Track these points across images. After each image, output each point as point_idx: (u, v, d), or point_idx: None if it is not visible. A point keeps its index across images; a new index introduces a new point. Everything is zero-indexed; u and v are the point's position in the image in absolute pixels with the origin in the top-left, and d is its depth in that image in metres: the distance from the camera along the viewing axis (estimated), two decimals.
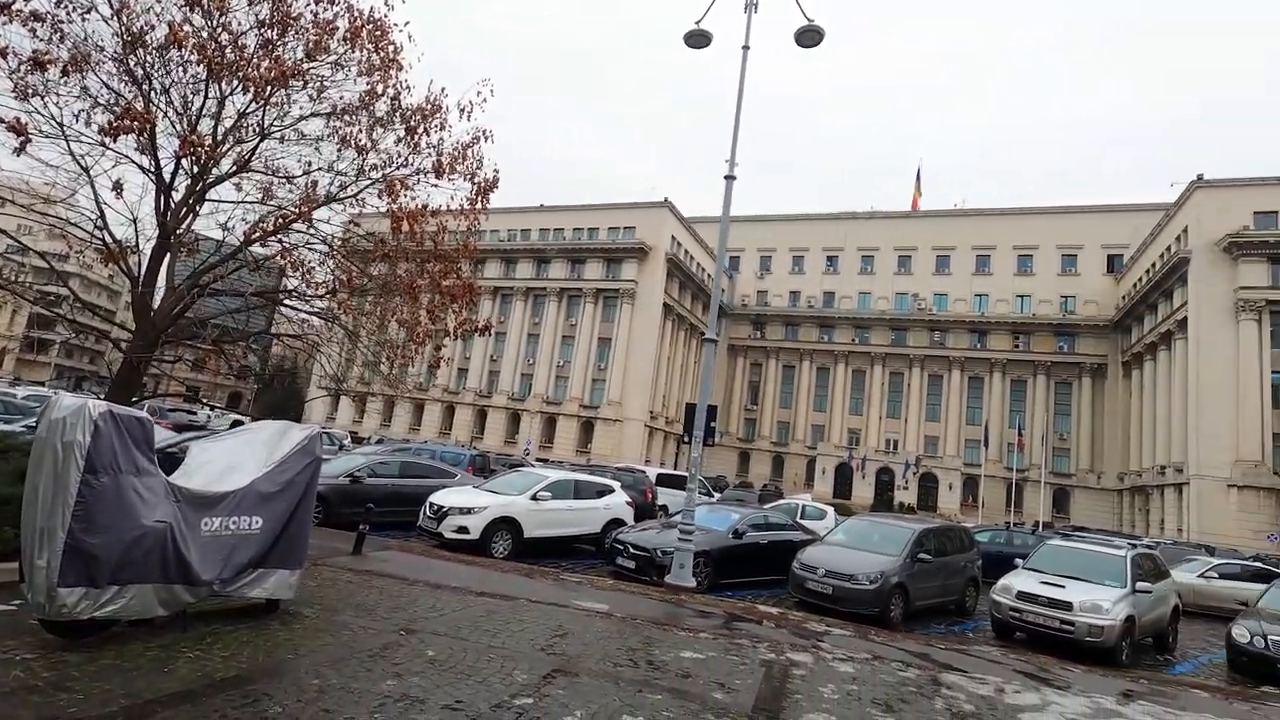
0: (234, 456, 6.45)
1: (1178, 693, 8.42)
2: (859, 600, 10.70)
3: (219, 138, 8.61)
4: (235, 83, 8.27)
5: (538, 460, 45.42)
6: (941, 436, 62.99)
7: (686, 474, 12.29)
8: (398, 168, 9.18)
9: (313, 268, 9.19)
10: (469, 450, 28.77)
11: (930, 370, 64.89)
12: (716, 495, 27.18)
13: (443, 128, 9.12)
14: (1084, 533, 34.95)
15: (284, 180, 9.24)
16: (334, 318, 9.78)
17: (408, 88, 8.98)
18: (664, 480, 23.89)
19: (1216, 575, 18.53)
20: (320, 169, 9.18)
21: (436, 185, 9.08)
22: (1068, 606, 10.15)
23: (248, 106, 8.51)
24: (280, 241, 9.27)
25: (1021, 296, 63.94)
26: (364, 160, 8.98)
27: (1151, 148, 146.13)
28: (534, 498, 13.30)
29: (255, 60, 8.02)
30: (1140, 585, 10.77)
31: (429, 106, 9.02)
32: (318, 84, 8.73)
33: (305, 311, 10.04)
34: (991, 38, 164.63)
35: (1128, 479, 53.95)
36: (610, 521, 14.49)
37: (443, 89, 9.01)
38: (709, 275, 67.18)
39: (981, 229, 66.39)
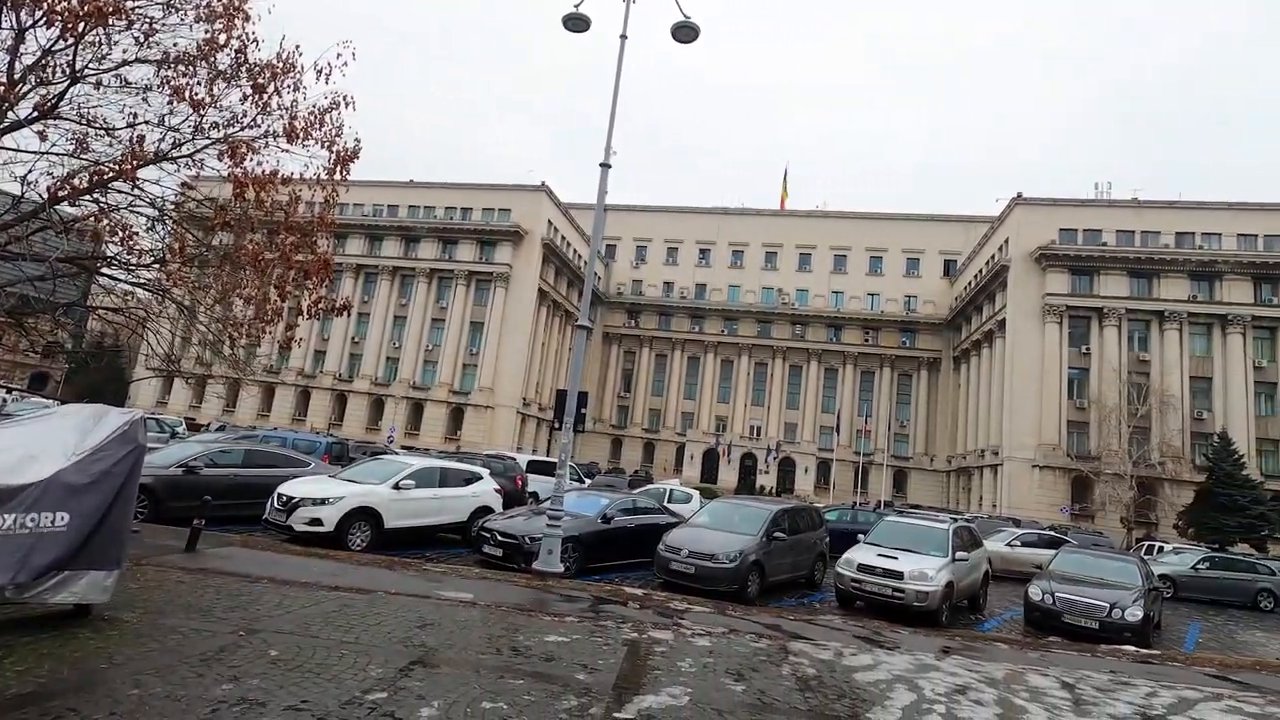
0: (34, 444, 5.64)
1: (985, 647, 9.61)
2: (719, 578, 11.23)
3: (16, 76, 7.41)
4: (39, 14, 7.13)
5: (402, 448, 43.47)
6: (800, 423, 67.25)
7: (557, 460, 12.29)
8: (243, 129, 8.36)
9: (137, 233, 8.16)
10: (325, 438, 26.97)
11: (791, 361, 68.99)
12: (587, 481, 27.39)
13: (297, 89, 8.39)
14: (917, 509, 38.88)
15: (102, 132, 8.12)
16: (164, 290, 8.75)
17: (255, 41, 8.16)
18: (535, 467, 23.71)
19: (1020, 544, 21.30)
20: (149, 122, 8.16)
21: (288, 151, 8.35)
22: (900, 576, 11.25)
23: (54, 43, 7.38)
24: (97, 201, 8.15)
25: (872, 295, 69.49)
26: (202, 117, 8.07)
27: (1122, 148, 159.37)
28: (396, 486, 12.72)
29: None
30: (959, 555, 12.16)
31: (281, 64, 8.25)
32: (145, 25, 7.72)
33: (128, 283, 8.91)
34: (954, 36, 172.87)
35: (955, 461, 60.49)
36: (478, 509, 14.19)
37: (297, 46, 8.28)
38: (585, 261, 67.17)
39: (840, 231, 71.31)
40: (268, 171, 8.16)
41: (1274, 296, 45.81)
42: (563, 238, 64.29)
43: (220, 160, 8.21)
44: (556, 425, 12.25)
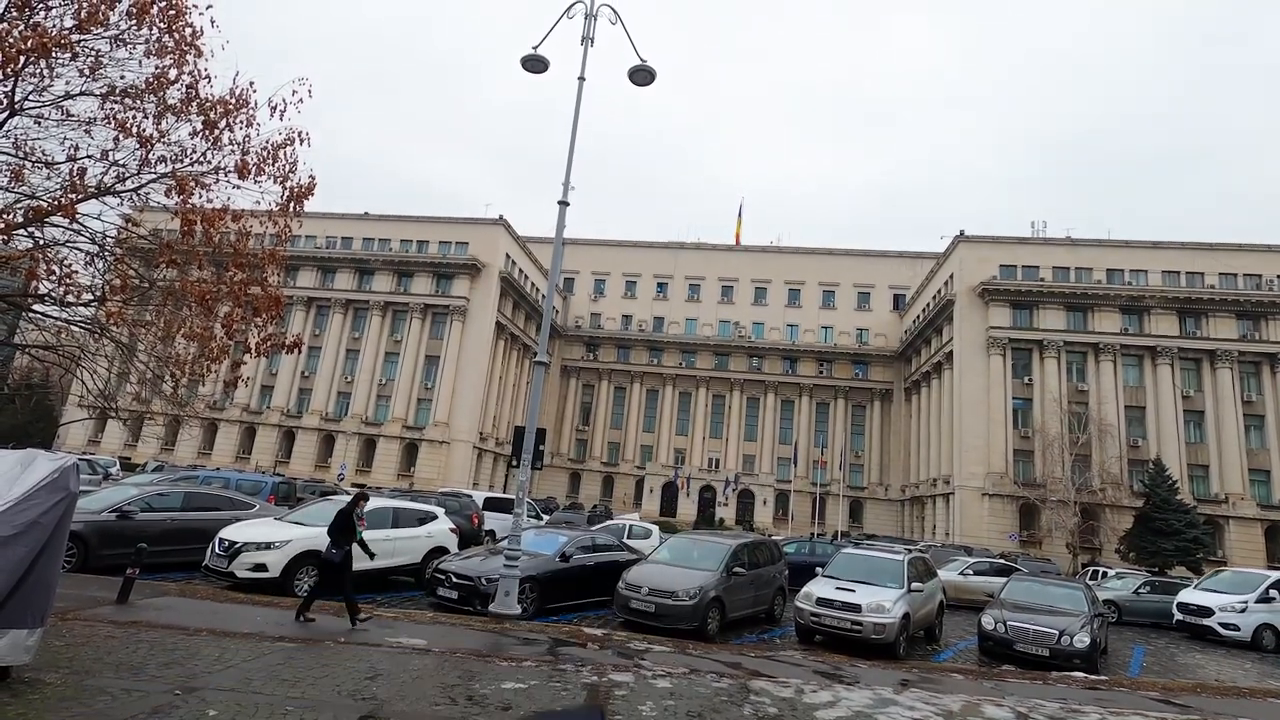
0: None
1: (941, 678, 9.72)
2: (679, 616, 11.12)
3: None
4: None
5: (354, 486, 42.13)
6: (758, 455, 67.72)
7: (515, 498, 12.09)
8: (193, 164, 8.18)
9: (75, 269, 7.84)
10: (272, 477, 25.98)
11: (749, 393, 69.76)
12: (545, 518, 26.98)
13: (250, 124, 8.29)
14: (874, 539, 39.37)
15: (40, 165, 7.85)
16: (102, 328, 8.40)
17: (207, 77, 8.06)
18: (493, 504, 23.27)
19: (972, 572, 21.72)
20: (91, 156, 7.92)
21: (239, 187, 8.20)
22: (857, 609, 11.32)
23: None
24: (32, 236, 7.84)
25: (825, 328, 71.14)
26: (149, 151, 7.88)
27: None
28: None
29: (7, 24, 6.77)
30: (915, 585, 12.32)
31: (234, 100, 8.15)
32: (91, 59, 7.55)
33: (62, 320, 8.53)
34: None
35: (908, 490, 61.62)
36: (432, 550, 13.81)
37: (250, 82, 8.21)
38: (543, 295, 67.11)
39: (793, 265, 73.13)
40: (216, 208, 7.97)
41: (1198, 329, 48.57)
42: (520, 271, 64.23)
43: (167, 195, 8.00)
44: (514, 462, 12.09)
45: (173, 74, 7.78)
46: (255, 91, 8.14)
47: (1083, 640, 11.62)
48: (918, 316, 62.39)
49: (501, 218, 60.05)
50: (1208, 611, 18.29)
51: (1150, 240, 51.49)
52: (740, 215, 78.24)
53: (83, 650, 6.63)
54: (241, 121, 8.10)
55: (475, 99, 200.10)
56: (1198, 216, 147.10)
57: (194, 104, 8.01)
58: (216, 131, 8.18)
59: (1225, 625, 17.81)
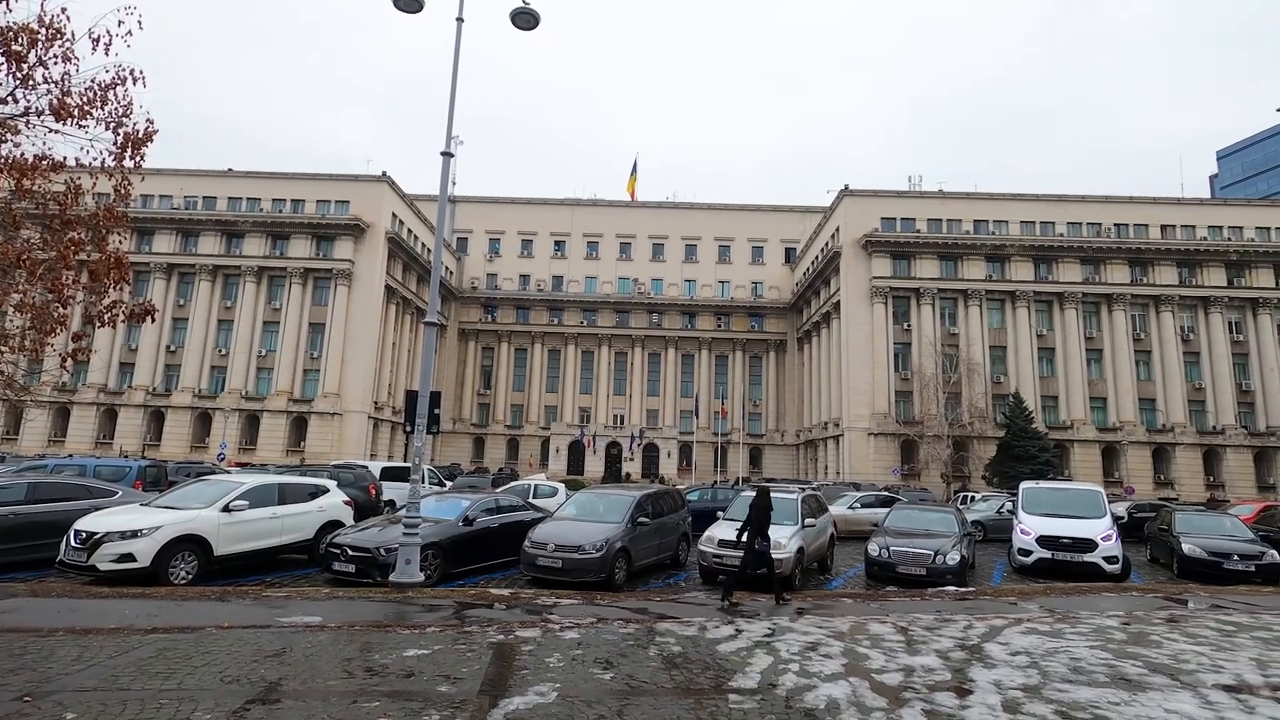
0: None
1: (833, 603, 10.42)
2: (586, 569, 11.24)
3: None
4: None
5: (236, 466, 39.46)
6: (661, 409, 69.08)
7: (411, 465, 11.66)
8: None
9: None
10: (138, 461, 23.77)
11: (650, 349, 70.64)
12: (449, 484, 26.40)
13: (68, 59, 7.18)
14: (772, 482, 41.35)
15: None
16: None
17: (4, 1, 6.88)
18: (390, 474, 22.44)
19: (860, 505, 23.32)
20: None
21: (57, 131, 7.13)
22: None
23: None
24: None
25: (722, 282, 72.73)
26: None
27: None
28: (226, 509, 11.47)
29: None
30: (808, 521, 13.06)
31: (44, 30, 7.01)
32: None
33: None
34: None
35: (803, 434, 65.07)
36: (326, 524, 13.17)
37: (62, 9, 7.08)
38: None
39: (690, 221, 73.80)
40: (27, 157, 6.90)
41: (1049, 274, 53.57)
42: (409, 231, 61.13)
43: None
44: (408, 429, 11.62)
45: None
46: (69, 20, 7.03)
47: (954, 558, 12.78)
48: (808, 269, 64.95)
49: (385, 174, 56.63)
50: (1089, 545, 14.15)
51: (1011, 192, 55.89)
52: (634, 170, 77.71)
53: None
54: (55, 56, 6.97)
55: (355, 56, 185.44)
56: (1066, 168, 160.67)
57: None
58: (25, 67, 7.03)
59: (1109, 559, 14.07)
